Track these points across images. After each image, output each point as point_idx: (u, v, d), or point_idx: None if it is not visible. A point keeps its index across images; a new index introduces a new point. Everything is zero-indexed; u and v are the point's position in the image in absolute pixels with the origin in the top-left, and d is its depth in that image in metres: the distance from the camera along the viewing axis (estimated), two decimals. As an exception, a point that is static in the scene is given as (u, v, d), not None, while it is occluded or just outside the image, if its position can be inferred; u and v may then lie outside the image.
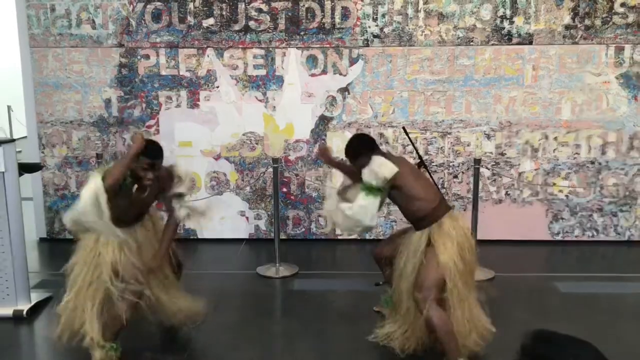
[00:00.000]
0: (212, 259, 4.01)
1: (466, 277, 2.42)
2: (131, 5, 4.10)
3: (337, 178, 4.17)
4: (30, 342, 2.94)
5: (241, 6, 4.07)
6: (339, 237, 4.27)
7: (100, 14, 4.12)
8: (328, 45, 4.10)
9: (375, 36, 4.07)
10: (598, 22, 4.01)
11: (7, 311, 3.03)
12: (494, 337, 2.62)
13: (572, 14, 4.01)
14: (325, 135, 4.22)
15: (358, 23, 4.06)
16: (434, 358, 2.48)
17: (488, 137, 4.17)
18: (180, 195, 2.63)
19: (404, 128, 3.27)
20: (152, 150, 2.49)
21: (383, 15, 4.04)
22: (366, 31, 4.07)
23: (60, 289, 3.35)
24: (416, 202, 2.47)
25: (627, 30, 4.01)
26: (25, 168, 3.37)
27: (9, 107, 7.76)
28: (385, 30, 4.06)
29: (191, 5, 4.08)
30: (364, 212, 2.43)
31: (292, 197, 4.30)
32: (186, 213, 2.62)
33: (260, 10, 4.08)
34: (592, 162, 4.18)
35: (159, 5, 4.09)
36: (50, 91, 4.23)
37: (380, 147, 2.73)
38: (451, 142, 4.18)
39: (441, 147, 4.19)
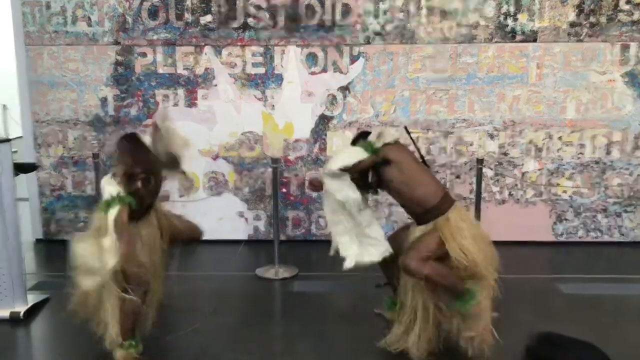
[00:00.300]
0: (211, 261, 3.97)
1: (485, 270, 2.36)
2: (127, 2, 4.04)
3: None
4: (27, 344, 2.91)
5: (240, 3, 4.01)
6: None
7: (96, 11, 4.06)
8: (328, 43, 4.04)
9: (376, 33, 4.02)
10: (603, 19, 3.95)
11: (4, 313, 3.00)
12: (496, 338, 2.59)
13: (577, 11, 3.95)
14: (326, 135, 4.16)
15: (359, 20, 4.01)
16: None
17: (491, 136, 4.12)
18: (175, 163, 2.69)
19: (405, 127, 3.22)
20: (145, 163, 2.53)
21: (384, 12, 3.98)
22: (367, 28, 4.01)
23: (57, 291, 3.34)
24: (419, 189, 2.40)
25: (633, 28, 3.96)
26: (21, 168, 3.32)
27: (4, 106, 7.71)
28: (387, 27, 4.00)
29: (188, 2, 4.02)
30: (347, 154, 2.46)
31: (291, 198, 4.25)
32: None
33: (259, 7, 4.02)
34: (597, 162, 4.13)
35: (156, 2, 4.03)
36: (46, 90, 4.17)
37: None
38: (454, 142, 4.13)
39: (443, 147, 4.14)
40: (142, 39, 4.08)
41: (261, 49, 4.07)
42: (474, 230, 2.37)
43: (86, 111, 4.19)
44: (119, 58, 4.11)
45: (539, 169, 4.15)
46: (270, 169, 3.79)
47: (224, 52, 4.08)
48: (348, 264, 2.50)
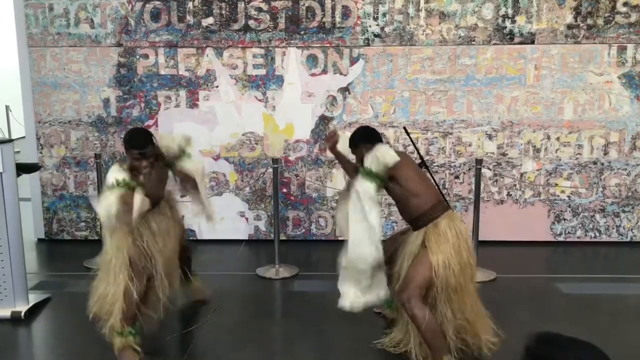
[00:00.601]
0: (211, 260, 3.99)
1: (462, 279, 2.37)
2: (130, 5, 4.07)
3: (337, 179, 4.16)
4: (29, 344, 2.92)
5: (241, 5, 4.05)
6: (340, 238, 4.24)
7: (99, 13, 4.09)
8: (328, 45, 4.07)
9: (376, 35, 4.05)
10: (600, 21, 3.98)
11: (5, 312, 3.01)
12: (500, 337, 2.60)
13: (574, 13, 3.98)
14: (326, 136, 4.19)
15: (359, 22, 4.04)
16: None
17: (490, 137, 4.14)
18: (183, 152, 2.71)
19: (405, 128, 3.24)
20: (138, 140, 2.54)
21: (384, 15, 4.02)
22: (367, 30, 4.04)
23: (58, 290, 3.36)
24: (414, 199, 2.44)
25: (630, 30, 3.99)
26: (24, 168, 3.35)
27: (7, 107, 7.74)
28: (386, 29, 4.04)
29: (190, 5, 4.06)
30: (370, 213, 2.35)
31: (292, 198, 4.28)
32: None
33: (260, 10, 4.06)
34: (595, 163, 4.16)
35: (158, 4, 4.07)
36: (49, 91, 4.20)
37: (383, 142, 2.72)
38: (452, 142, 4.16)
39: (442, 148, 4.17)
40: (144, 40, 4.11)
41: (262, 51, 4.10)
42: (457, 240, 2.36)
43: (88, 112, 4.22)
44: (122, 60, 4.14)
45: (537, 169, 4.18)
46: (270, 169, 3.81)
47: (225, 53, 4.11)
48: (343, 304, 2.47)
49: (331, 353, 2.69)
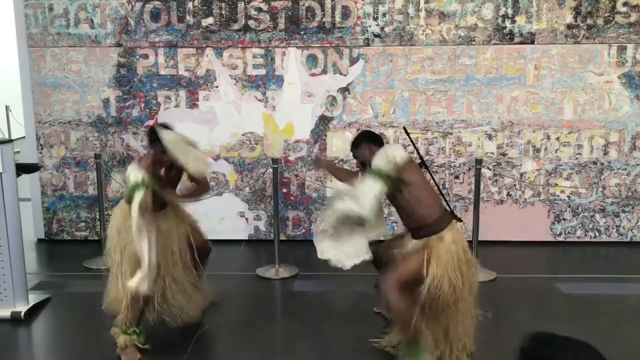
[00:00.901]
0: (211, 260, 3.98)
1: (460, 294, 2.33)
2: (130, 5, 4.07)
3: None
4: (28, 344, 2.92)
5: (240, 5, 4.05)
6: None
7: (99, 14, 4.09)
8: (328, 45, 4.07)
9: (375, 35, 4.05)
10: (600, 21, 3.98)
11: (5, 313, 3.01)
12: (495, 338, 2.60)
13: (574, 13, 3.98)
14: (326, 136, 4.19)
15: (358, 22, 4.04)
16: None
17: (489, 137, 4.14)
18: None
19: (404, 128, 3.24)
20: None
21: (384, 15, 4.02)
22: (367, 30, 4.05)
23: (58, 291, 3.36)
24: (419, 209, 2.37)
25: (630, 30, 3.99)
26: (23, 168, 3.35)
27: (7, 107, 7.74)
28: (386, 29, 4.04)
29: (190, 5, 4.06)
30: (364, 195, 2.25)
31: (292, 198, 4.28)
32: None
33: (259, 10, 4.06)
34: (595, 163, 4.16)
35: (158, 4, 4.07)
36: (49, 91, 4.20)
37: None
38: (452, 142, 4.16)
39: (442, 148, 4.17)
40: (144, 40, 4.11)
41: (262, 51, 4.10)
42: (461, 255, 2.33)
43: (88, 112, 4.22)
44: (121, 60, 4.14)
45: (537, 169, 4.18)
46: (270, 169, 3.81)
47: (225, 53, 4.11)
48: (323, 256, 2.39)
49: (331, 353, 2.69)
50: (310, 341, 2.80)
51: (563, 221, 4.24)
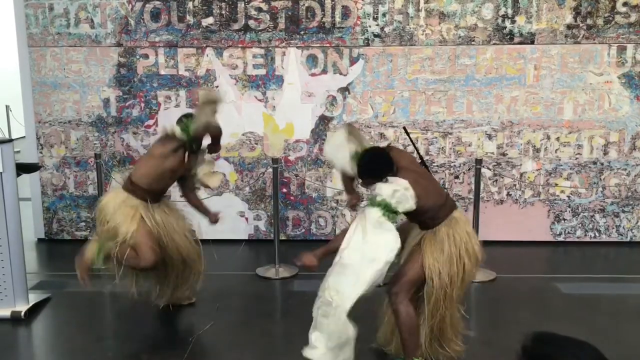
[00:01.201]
0: (212, 260, 3.99)
1: (452, 290, 2.31)
2: (130, 5, 4.07)
3: (337, 179, 4.15)
4: (29, 344, 2.92)
5: (241, 5, 4.05)
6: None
7: (99, 13, 4.10)
8: (328, 45, 4.08)
9: (375, 35, 4.05)
10: (600, 21, 3.98)
11: (5, 312, 3.01)
12: (495, 338, 2.60)
13: (574, 13, 3.98)
14: (326, 136, 4.19)
15: (358, 22, 4.04)
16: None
17: (489, 137, 4.15)
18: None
19: (404, 128, 3.25)
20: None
21: (384, 15, 4.02)
22: (367, 30, 4.05)
23: (58, 290, 3.36)
24: (420, 217, 2.37)
25: (630, 30, 3.99)
26: (24, 168, 3.35)
27: (7, 107, 7.74)
28: (386, 29, 4.04)
29: (190, 5, 4.06)
30: (384, 242, 2.12)
31: (292, 198, 4.28)
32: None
33: (260, 10, 4.06)
34: (594, 163, 4.16)
35: (158, 4, 4.07)
36: (49, 91, 4.20)
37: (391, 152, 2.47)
38: (452, 142, 4.16)
39: (442, 147, 4.17)
40: (144, 40, 4.12)
41: (262, 51, 4.10)
42: (454, 249, 2.29)
43: (88, 112, 4.23)
44: (122, 59, 4.15)
45: (537, 169, 4.18)
46: (270, 169, 3.82)
47: (225, 53, 4.11)
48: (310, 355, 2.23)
49: (331, 353, 2.68)
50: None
51: (563, 221, 4.24)
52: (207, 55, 4.12)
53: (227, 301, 3.24)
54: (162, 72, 4.15)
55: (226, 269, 3.83)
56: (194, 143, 2.85)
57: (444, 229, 2.35)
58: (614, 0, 3.95)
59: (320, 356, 2.20)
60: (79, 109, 4.23)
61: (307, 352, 2.23)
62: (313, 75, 4.11)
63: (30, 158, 4.25)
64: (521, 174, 4.19)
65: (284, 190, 4.24)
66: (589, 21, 3.99)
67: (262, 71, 4.13)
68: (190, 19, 4.08)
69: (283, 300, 3.43)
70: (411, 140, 3.08)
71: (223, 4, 4.06)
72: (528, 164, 4.17)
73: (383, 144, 4.04)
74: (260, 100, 4.17)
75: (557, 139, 4.14)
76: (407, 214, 2.38)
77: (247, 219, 4.32)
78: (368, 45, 4.06)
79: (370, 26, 4.04)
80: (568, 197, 4.20)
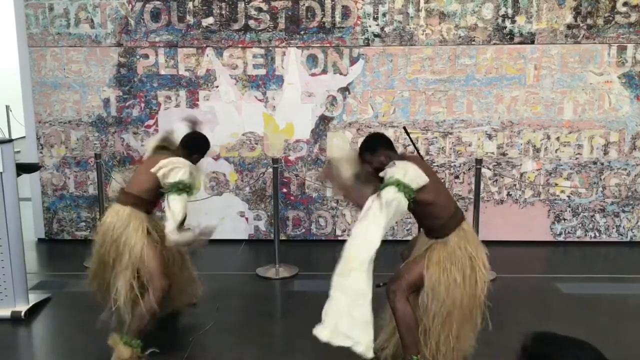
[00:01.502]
0: (212, 260, 3.99)
1: (458, 303, 2.27)
2: (130, 5, 4.07)
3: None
4: (29, 344, 2.92)
5: (241, 5, 4.05)
6: (339, 238, 4.25)
7: (99, 13, 4.10)
8: (328, 45, 4.08)
9: (376, 35, 4.05)
10: (600, 21, 3.98)
11: (5, 312, 3.01)
12: (495, 338, 2.60)
13: (574, 13, 3.98)
14: (326, 136, 4.19)
15: (358, 22, 4.04)
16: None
17: (489, 137, 4.15)
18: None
19: (404, 128, 3.24)
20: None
21: (384, 15, 4.02)
22: (367, 30, 4.05)
23: (58, 290, 3.36)
24: (429, 219, 2.35)
25: (630, 30, 3.99)
26: (24, 168, 3.35)
27: (7, 107, 7.74)
28: (386, 29, 4.04)
29: (190, 5, 4.06)
30: (391, 207, 2.09)
31: (292, 198, 4.28)
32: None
33: (260, 10, 4.06)
34: (595, 163, 4.16)
35: (158, 4, 4.07)
36: (49, 91, 4.21)
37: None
38: (452, 142, 4.16)
39: (442, 147, 4.17)
40: (144, 40, 4.12)
41: (262, 51, 4.10)
42: (464, 261, 2.26)
43: (89, 112, 4.23)
44: (122, 60, 4.15)
45: (537, 169, 4.18)
46: (270, 169, 3.82)
47: (225, 53, 4.11)
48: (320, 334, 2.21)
49: (331, 353, 2.67)
50: (310, 341, 2.77)
51: (563, 221, 4.24)
52: (207, 55, 4.12)
53: (227, 301, 3.24)
54: (162, 72, 4.15)
55: (226, 269, 3.84)
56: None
57: (454, 239, 2.32)
58: (614, 0, 3.95)
59: (332, 332, 2.23)
60: (79, 109, 4.23)
61: (317, 331, 2.24)
62: (313, 75, 4.11)
63: (30, 158, 4.26)
64: (521, 174, 4.19)
65: (284, 190, 4.24)
66: (589, 21, 3.99)
67: (262, 71, 4.13)
68: (190, 19, 4.08)
69: (283, 300, 3.43)
70: (411, 140, 3.08)
71: (223, 4, 4.06)
72: (528, 164, 4.17)
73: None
74: (260, 100, 4.17)
75: (557, 138, 4.14)
76: (418, 214, 2.37)
77: (247, 219, 4.32)
78: (368, 45, 4.06)
79: (370, 26, 4.04)
80: (568, 197, 4.20)
